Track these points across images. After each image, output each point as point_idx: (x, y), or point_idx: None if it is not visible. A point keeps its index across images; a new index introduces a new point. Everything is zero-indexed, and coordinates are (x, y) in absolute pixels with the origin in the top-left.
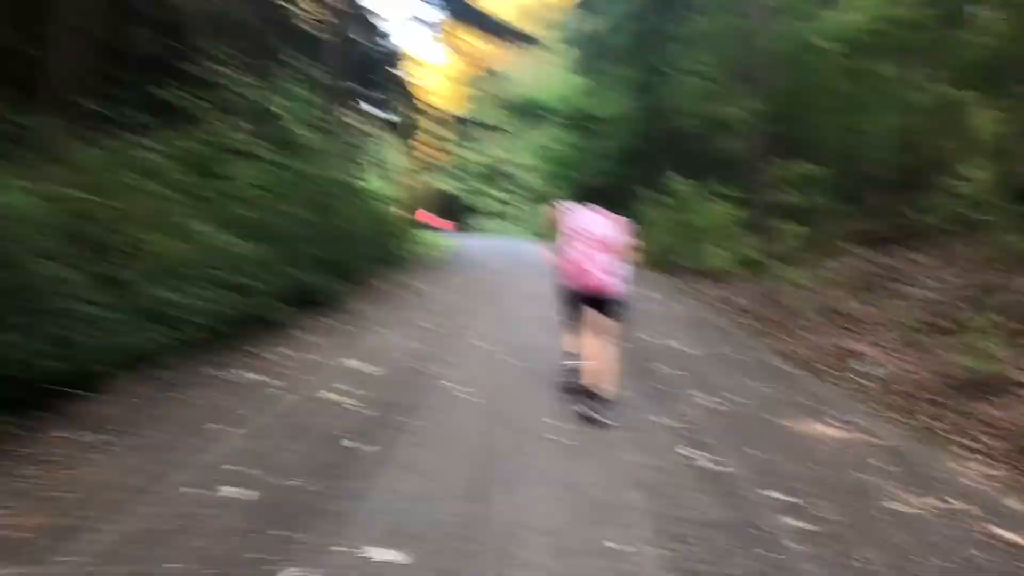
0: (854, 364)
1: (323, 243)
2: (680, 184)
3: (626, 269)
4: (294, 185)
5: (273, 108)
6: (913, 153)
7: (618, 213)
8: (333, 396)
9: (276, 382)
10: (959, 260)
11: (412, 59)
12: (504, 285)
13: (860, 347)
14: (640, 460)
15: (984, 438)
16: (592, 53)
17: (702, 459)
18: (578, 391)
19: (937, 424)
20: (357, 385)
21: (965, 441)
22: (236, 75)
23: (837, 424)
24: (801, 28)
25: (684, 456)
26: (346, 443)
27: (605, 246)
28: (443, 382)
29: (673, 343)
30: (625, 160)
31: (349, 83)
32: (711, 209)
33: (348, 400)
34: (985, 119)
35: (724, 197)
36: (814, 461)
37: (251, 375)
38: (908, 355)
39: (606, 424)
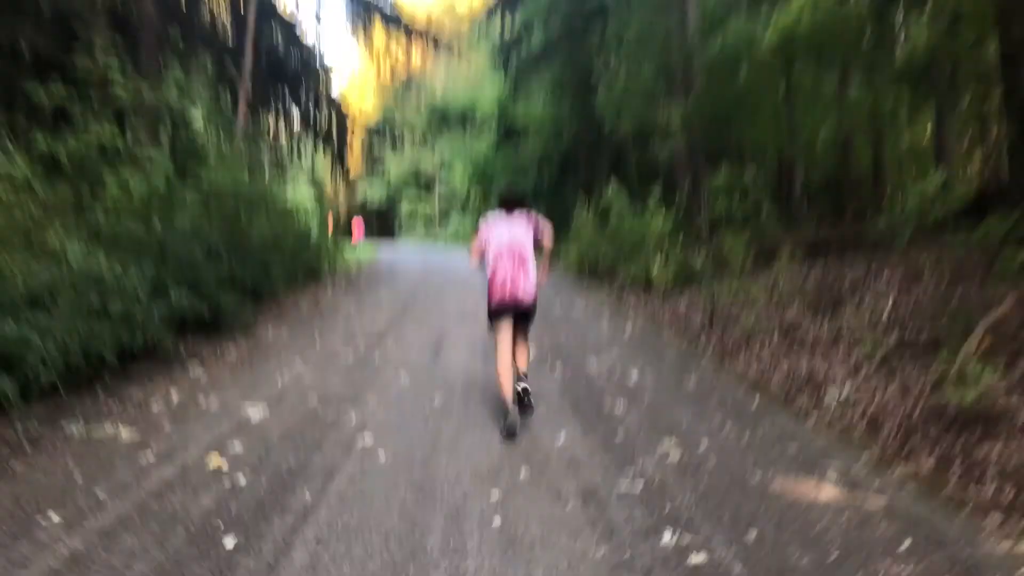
0: (829, 393)
1: (228, 259)
2: (616, 192)
3: (541, 270)
4: (192, 195)
5: (172, 109)
6: (853, 160)
7: (551, 222)
8: (221, 463)
9: (153, 443)
10: (921, 273)
11: (334, 65)
12: (431, 301)
13: (831, 372)
14: (609, 557)
15: (1010, 490)
16: (517, 56)
17: (691, 552)
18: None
19: (944, 476)
20: (254, 443)
21: (982, 497)
22: (127, 73)
23: (833, 482)
24: (736, 31)
25: (664, 548)
26: (229, 542)
27: (522, 253)
28: (360, 436)
29: (626, 373)
30: (556, 167)
31: (266, 87)
32: (649, 218)
33: (240, 469)
34: (920, 125)
35: (661, 205)
36: (824, 544)
37: (123, 432)
38: (886, 383)
39: (532, 410)
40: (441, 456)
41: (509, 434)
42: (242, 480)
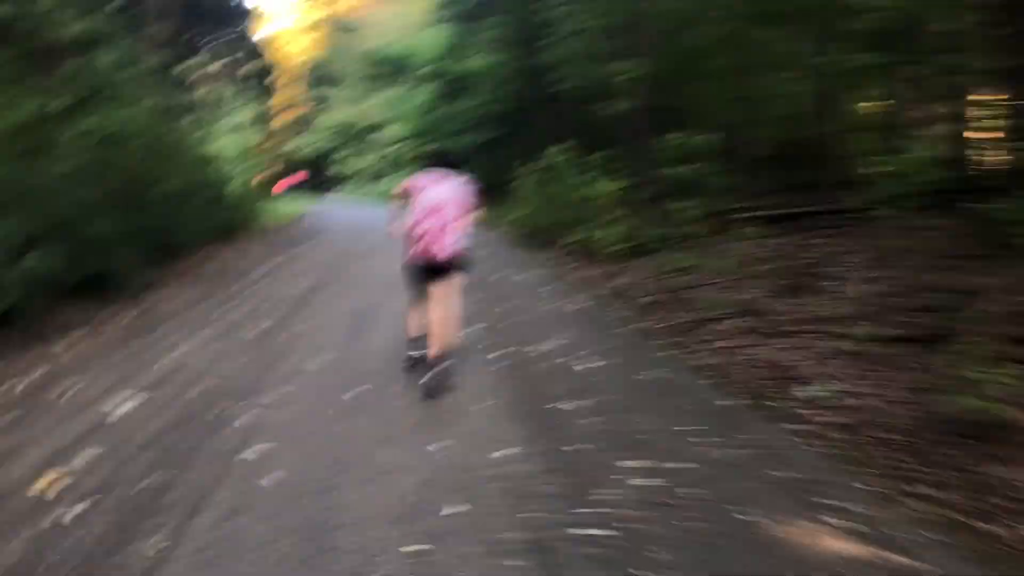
0: (802, 392)
1: (123, 212)
2: (560, 154)
3: (468, 231)
4: (79, 136)
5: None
6: (808, 127)
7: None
8: (49, 487)
9: None
10: (894, 253)
11: (260, 6)
12: (356, 264)
13: (803, 366)
14: None
15: None
16: (460, 3)
17: None
18: (423, 366)
19: (959, 513)
20: (105, 455)
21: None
22: None
23: (834, 526)
24: None
25: None
26: None
27: (446, 211)
28: (244, 446)
29: (573, 360)
30: (499, 125)
31: (184, 25)
32: (595, 183)
33: (74, 496)
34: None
35: (608, 170)
36: None
37: None
38: (867, 380)
39: (453, 387)
40: (344, 480)
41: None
42: (70, 515)
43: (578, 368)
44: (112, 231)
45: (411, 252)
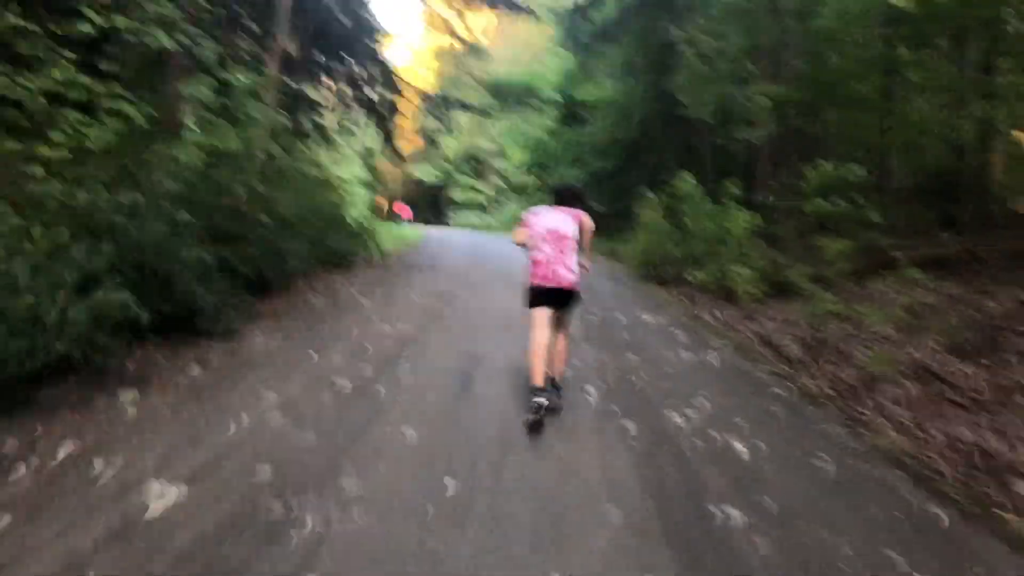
0: None
1: (216, 241)
2: (689, 183)
3: (582, 263)
4: (182, 155)
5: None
6: (970, 157)
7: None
8: None
9: None
10: None
11: (389, 31)
12: (472, 299)
13: (1008, 452)
14: None
15: None
16: (585, 28)
17: None
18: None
19: None
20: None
21: None
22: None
23: None
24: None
25: None
26: None
27: (563, 242)
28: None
29: (726, 435)
30: (623, 154)
31: (310, 46)
32: (729, 213)
33: None
34: None
35: (743, 200)
36: None
37: None
38: None
39: (560, 407)
40: None
41: (534, 424)
42: None
43: (734, 452)
44: (199, 262)
45: (536, 277)
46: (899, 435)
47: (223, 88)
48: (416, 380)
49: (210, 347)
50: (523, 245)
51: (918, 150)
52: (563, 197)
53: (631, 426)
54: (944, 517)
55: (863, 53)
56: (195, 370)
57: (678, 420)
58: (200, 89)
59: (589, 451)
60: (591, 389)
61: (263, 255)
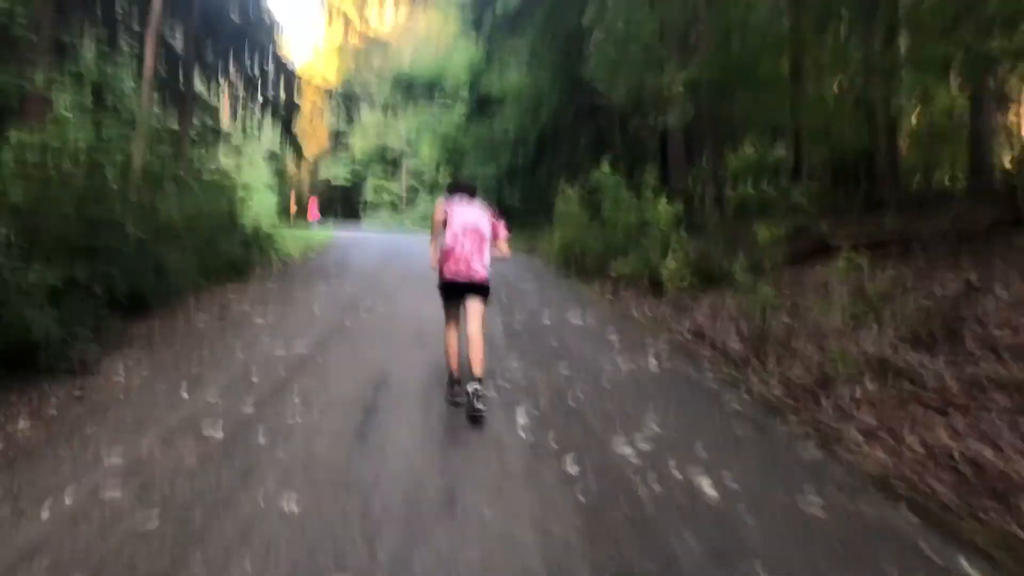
0: None
1: (78, 257)
2: (607, 173)
3: (491, 257)
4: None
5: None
6: (881, 136)
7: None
8: None
9: None
10: None
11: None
12: (380, 307)
13: (1000, 462)
14: None
15: None
16: (492, 15)
17: None
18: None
19: None
20: None
21: None
22: None
23: None
24: None
25: None
26: None
27: (480, 234)
28: None
29: (688, 473)
30: (535, 144)
31: (197, 42)
32: (649, 203)
33: None
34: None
35: (662, 189)
36: None
37: None
38: None
39: (482, 413)
40: None
41: (475, 419)
42: None
43: (705, 493)
44: (37, 285)
45: (448, 272)
46: (882, 451)
47: (80, 79)
48: (306, 419)
49: (53, 389)
50: (438, 229)
51: (831, 131)
52: (462, 191)
53: (573, 469)
54: (954, 561)
55: (770, 31)
56: (22, 423)
57: (628, 453)
58: (55, 78)
59: (524, 514)
60: (521, 417)
61: (136, 270)
